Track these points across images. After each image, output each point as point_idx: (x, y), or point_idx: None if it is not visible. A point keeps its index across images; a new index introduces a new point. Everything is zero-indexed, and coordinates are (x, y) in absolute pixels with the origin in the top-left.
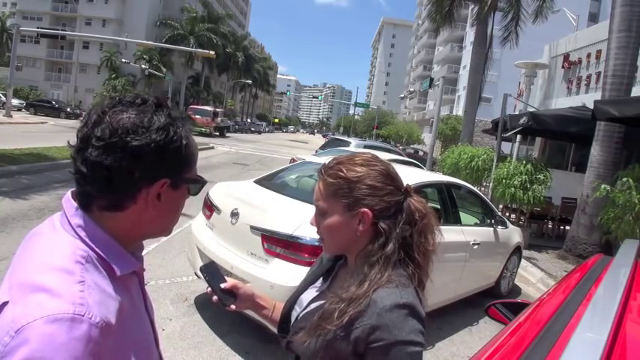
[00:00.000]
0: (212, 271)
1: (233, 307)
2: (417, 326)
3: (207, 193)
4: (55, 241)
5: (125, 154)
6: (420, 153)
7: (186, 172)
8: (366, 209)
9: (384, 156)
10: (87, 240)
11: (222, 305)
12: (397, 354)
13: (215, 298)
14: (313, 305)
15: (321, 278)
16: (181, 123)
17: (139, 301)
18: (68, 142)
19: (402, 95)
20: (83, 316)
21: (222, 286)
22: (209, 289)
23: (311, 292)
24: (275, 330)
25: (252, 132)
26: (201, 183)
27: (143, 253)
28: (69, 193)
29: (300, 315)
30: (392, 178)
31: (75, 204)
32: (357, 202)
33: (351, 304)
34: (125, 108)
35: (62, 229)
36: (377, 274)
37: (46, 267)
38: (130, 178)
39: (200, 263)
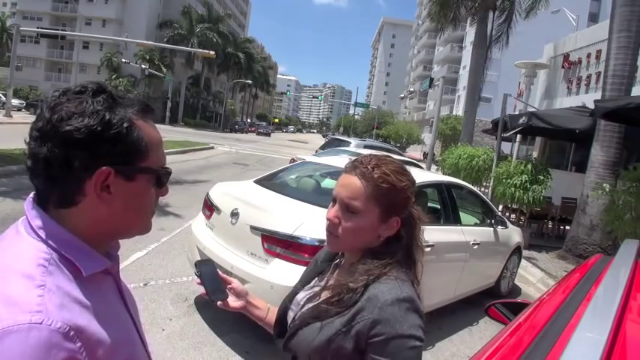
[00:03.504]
0: (207, 268)
1: (220, 303)
2: (417, 321)
3: (208, 193)
4: (17, 245)
5: (57, 142)
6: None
7: (139, 160)
8: (398, 218)
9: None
10: (49, 241)
11: (210, 301)
12: (398, 348)
13: (202, 292)
14: (310, 305)
15: (316, 279)
16: (130, 108)
17: (116, 300)
18: (25, 140)
19: (402, 95)
20: (41, 323)
21: (217, 278)
22: (199, 283)
23: (306, 293)
24: (271, 332)
25: (261, 134)
26: (161, 174)
27: (143, 254)
28: (31, 196)
29: (298, 314)
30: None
31: (35, 205)
32: (394, 210)
33: (349, 292)
34: (65, 98)
35: (25, 232)
36: (381, 269)
37: (6, 272)
38: (67, 168)
39: None
